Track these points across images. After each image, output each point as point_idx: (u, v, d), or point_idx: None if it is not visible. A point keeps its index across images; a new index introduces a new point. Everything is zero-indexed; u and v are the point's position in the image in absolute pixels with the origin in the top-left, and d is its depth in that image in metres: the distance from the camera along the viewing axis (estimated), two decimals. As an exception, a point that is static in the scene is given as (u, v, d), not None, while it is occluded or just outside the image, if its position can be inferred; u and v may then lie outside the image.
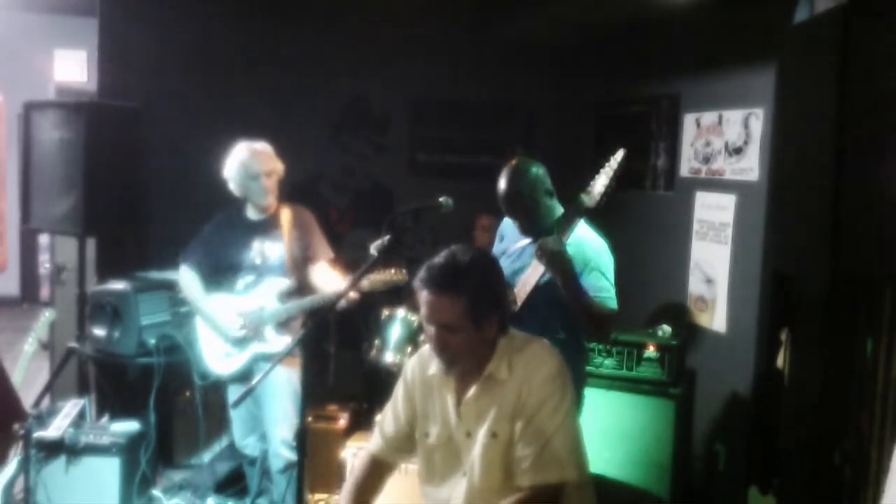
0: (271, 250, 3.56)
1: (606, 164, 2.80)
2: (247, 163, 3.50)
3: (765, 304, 3.44)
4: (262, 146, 3.58)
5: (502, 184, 2.92)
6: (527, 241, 2.99)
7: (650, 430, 3.71)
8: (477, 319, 2.08)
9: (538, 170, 2.94)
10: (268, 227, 3.58)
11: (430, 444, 2.27)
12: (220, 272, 3.62)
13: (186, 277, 3.63)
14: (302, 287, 3.58)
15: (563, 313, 2.80)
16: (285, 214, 3.60)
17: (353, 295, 3.28)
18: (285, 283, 3.53)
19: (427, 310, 2.10)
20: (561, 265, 2.69)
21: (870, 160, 2.07)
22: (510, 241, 3.10)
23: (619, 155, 2.81)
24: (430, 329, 2.12)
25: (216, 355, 3.60)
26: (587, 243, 2.86)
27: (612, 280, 2.86)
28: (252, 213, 3.61)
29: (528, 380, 2.13)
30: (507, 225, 3.16)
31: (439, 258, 2.13)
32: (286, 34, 4.84)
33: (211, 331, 3.61)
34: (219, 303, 3.58)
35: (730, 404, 3.82)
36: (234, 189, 3.56)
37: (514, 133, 5.29)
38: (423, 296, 2.10)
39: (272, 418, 3.52)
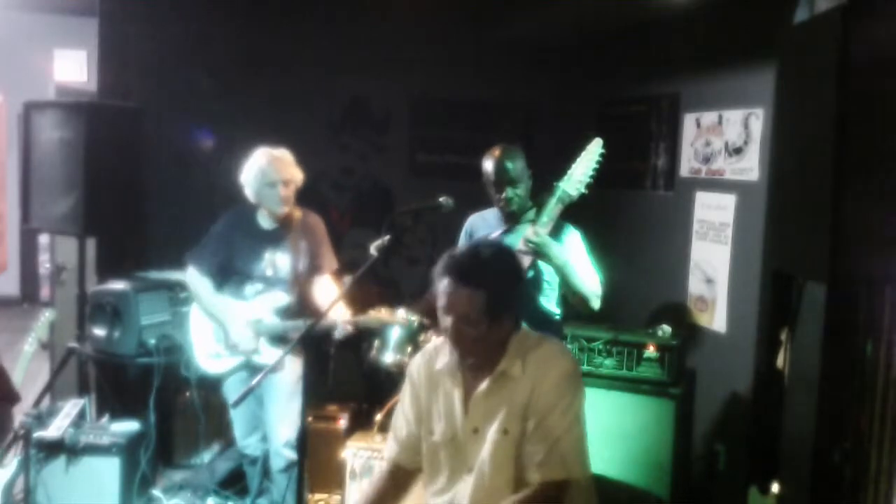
0: (282, 262, 3.52)
1: (584, 152, 2.98)
2: (265, 169, 3.42)
3: (765, 304, 3.44)
4: (282, 153, 3.49)
5: (489, 162, 3.13)
6: (499, 231, 3.17)
7: (650, 430, 3.72)
8: (494, 316, 2.06)
9: (520, 154, 3.15)
10: (279, 237, 3.53)
11: (434, 441, 2.25)
12: (227, 275, 3.58)
13: (196, 278, 3.57)
14: (303, 300, 3.55)
15: (548, 287, 3.13)
16: (296, 222, 3.55)
17: (349, 328, 3.32)
18: (285, 298, 3.50)
19: (445, 299, 2.06)
20: (547, 252, 2.91)
21: (870, 160, 2.07)
22: (482, 236, 3.25)
23: (596, 144, 2.99)
24: (447, 320, 2.08)
25: (205, 353, 3.60)
26: (563, 241, 3.06)
27: (591, 259, 3.13)
28: (264, 221, 3.56)
29: (541, 379, 2.12)
30: (475, 221, 3.35)
31: (464, 249, 2.12)
32: (286, 34, 4.84)
33: (207, 329, 3.60)
34: (228, 308, 3.54)
35: (730, 404, 3.82)
36: (250, 195, 3.49)
37: (514, 133, 5.29)
38: (444, 284, 2.06)
39: (273, 418, 3.52)
